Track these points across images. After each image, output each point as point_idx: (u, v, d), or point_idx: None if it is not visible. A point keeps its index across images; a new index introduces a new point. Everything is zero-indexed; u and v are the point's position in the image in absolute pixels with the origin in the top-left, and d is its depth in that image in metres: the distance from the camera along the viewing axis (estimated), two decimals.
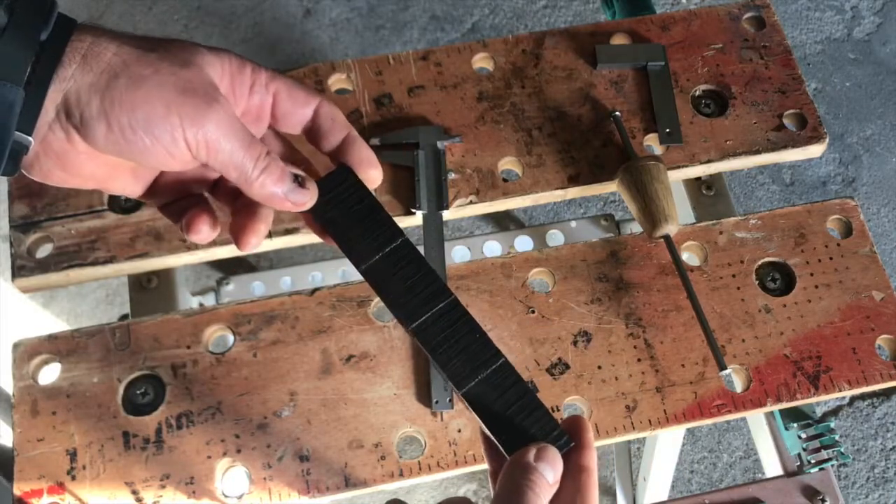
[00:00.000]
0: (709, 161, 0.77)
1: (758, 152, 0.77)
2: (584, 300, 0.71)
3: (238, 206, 0.50)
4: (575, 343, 0.69)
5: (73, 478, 0.64)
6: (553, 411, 0.67)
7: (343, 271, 1.16)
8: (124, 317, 0.79)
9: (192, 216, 0.48)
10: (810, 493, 0.73)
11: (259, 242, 0.49)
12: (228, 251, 0.73)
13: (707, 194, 0.84)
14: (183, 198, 0.50)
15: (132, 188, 0.49)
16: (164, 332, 0.69)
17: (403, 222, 0.75)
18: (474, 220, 1.63)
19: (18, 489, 0.64)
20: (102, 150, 0.44)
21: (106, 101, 0.42)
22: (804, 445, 0.74)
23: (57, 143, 0.44)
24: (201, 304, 1.13)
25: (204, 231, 0.48)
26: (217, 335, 0.70)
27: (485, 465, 0.65)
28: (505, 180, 0.76)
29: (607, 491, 1.48)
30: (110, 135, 0.43)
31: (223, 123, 0.44)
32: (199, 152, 0.44)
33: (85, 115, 0.43)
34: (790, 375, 0.68)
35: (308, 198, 0.48)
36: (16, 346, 0.68)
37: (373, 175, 0.51)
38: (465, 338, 0.46)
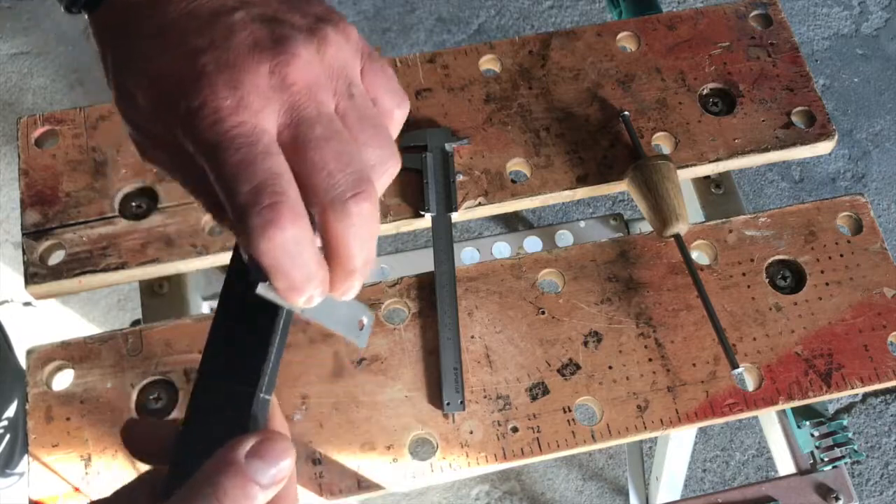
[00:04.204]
0: (717, 159, 0.77)
1: (766, 150, 0.77)
2: (594, 300, 0.71)
3: None
4: (585, 343, 0.69)
5: (88, 483, 0.64)
6: (565, 412, 0.67)
7: None
8: (136, 322, 0.80)
9: None
10: (824, 491, 0.73)
11: None
12: None
13: (716, 193, 0.84)
14: None
15: None
16: (175, 337, 0.69)
17: (412, 225, 0.75)
18: (483, 221, 1.64)
19: (34, 495, 0.64)
20: None
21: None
22: (817, 443, 0.74)
23: None
24: (212, 309, 1.14)
25: None
26: None
27: (498, 466, 0.66)
28: (513, 181, 0.76)
29: (620, 491, 1.48)
30: None
31: None
32: None
33: None
34: (802, 373, 0.68)
35: None
36: (29, 352, 0.69)
37: None
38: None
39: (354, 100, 0.40)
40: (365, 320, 0.47)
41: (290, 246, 0.36)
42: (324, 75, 0.39)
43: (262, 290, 0.39)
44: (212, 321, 0.41)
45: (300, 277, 0.37)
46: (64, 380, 0.68)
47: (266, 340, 0.40)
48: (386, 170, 0.40)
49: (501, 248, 1.15)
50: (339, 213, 0.37)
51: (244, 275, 0.40)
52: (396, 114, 0.42)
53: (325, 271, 0.39)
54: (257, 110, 0.37)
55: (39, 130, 0.77)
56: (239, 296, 0.41)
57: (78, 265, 0.72)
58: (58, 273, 0.71)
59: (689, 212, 0.73)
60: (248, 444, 0.36)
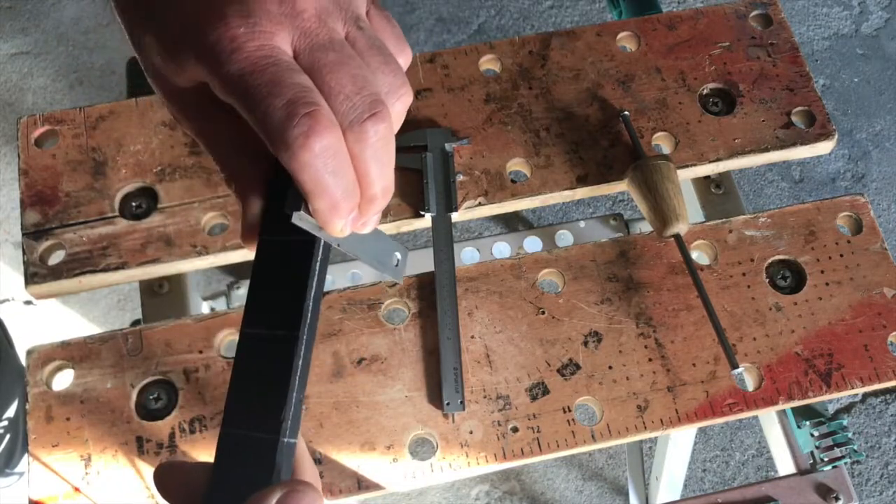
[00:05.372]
0: (717, 159, 0.77)
1: (766, 150, 0.77)
2: (594, 300, 0.71)
3: None
4: (585, 343, 0.69)
5: (88, 483, 0.64)
6: (565, 412, 0.67)
7: (353, 274, 1.16)
8: (136, 322, 0.80)
9: None
10: (824, 490, 0.73)
11: None
12: (240, 255, 0.73)
13: (716, 193, 0.84)
14: None
15: None
16: (176, 337, 0.69)
17: (412, 225, 0.75)
18: (483, 221, 1.64)
19: (34, 495, 0.64)
20: None
21: None
22: (817, 443, 0.74)
23: None
24: (213, 309, 1.14)
25: None
26: (229, 339, 0.70)
27: (498, 466, 0.66)
28: (513, 181, 0.76)
29: (619, 490, 1.48)
30: None
31: None
32: None
33: None
34: (802, 373, 0.68)
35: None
36: (29, 352, 0.69)
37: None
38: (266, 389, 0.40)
39: (363, 31, 0.40)
40: (398, 255, 0.47)
41: (329, 156, 0.37)
42: (332, 4, 0.39)
43: (297, 219, 0.39)
44: (232, 367, 0.41)
45: (340, 193, 0.38)
46: (64, 380, 0.68)
47: (285, 384, 0.40)
48: (399, 97, 0.40)
49: (501, 248, 1.15)
50: (357, 135, 0.37)
51: (260, 319, 0.39)
52: (400, 61, 0.42)
53: (358, 191, 0.39)
54: (272, 33, 0.38)
55: (39, 130, 0.77)
56: (256, 338, 0.41)
57: (78, 265, 0.72)
58: (58, 273, 0.71)
59: (689, 212, 0.73)
60: (273, 498, 0.36)
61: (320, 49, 0.38)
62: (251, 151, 0.40)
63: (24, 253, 0.72)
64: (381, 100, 0.38)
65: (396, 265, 0.47)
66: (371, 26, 0.41)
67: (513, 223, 1.62)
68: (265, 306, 0.41)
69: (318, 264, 0.41)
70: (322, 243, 0.41)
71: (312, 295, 0.40)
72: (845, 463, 0.73)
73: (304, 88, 0.37)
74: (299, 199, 0.38)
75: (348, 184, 0.38)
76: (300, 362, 0.40)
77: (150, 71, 0.42)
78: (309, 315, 0.40)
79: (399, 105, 0.40)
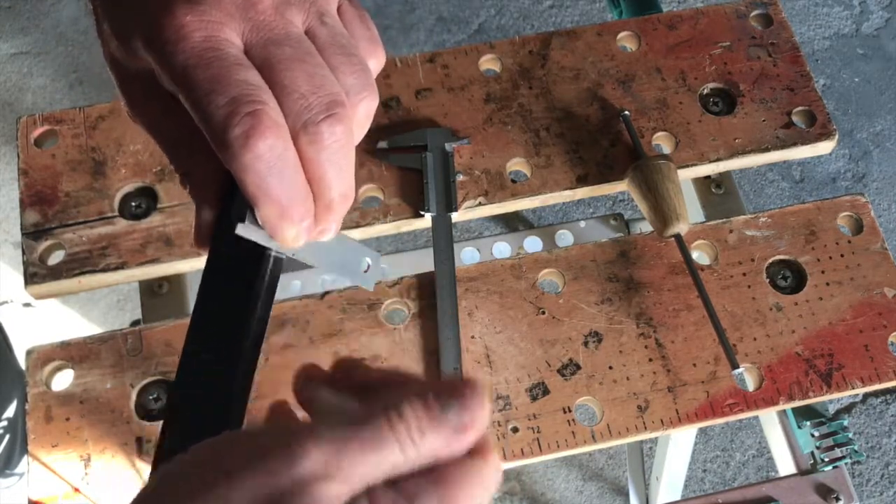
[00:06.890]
0: (718, 159, 0.77)
1: (767, 150, 0.77)
2: (594, 300, 0.71)
3: None
4: (586, 343, 0.69)
5: (88, 483, 0.64)
6: (565, 412, 0.66)
7: None
8: (136, 322, 0.80)
9: None
10: (824, 491, 0.73)
11: None
12: None
13: (716, 193, 0.84)
14: None
15: None
16: (175, 337, 0.69)
17: (412, 225, 0.75)
18: (483, 221, 1.63)
19: (33, 495, 0.64)
20: None
21: None
22: (817, 444, 0.74)
23: None
24: None
25: None
26: None
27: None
28: (513, 181, 0.76)
29: (620, 491, 1.48)
30: None
31: None
32: None
33: None
34: (802, 374, 0.68)
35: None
36: (29, 352, 0.69)
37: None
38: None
39: (327, 26, 0.38)
40: (369, 261, 0.43)
41: (273, 158, 0.34)
42: None
43: (242, 230, 0.36)
44: (172, 387, 0.40)
45: (286, 198, 0.35)
46: (63, 380, 0.68)
47: (221, 410, 0.38)
48: (361, 99, 0.38)
49: (501, 248, 1.14)
50: (311, 137, 0.35)
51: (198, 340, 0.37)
52: (371, 63, 0.40)
53: (311, 197, 0.37)
54: (221, 24, 0.36)
55: (39, 130, 0.77)
56: (197, 357, 0.38)
57: (77, 265, 0.72)
58: (57, 273, 0.71)
59: (690, 212, 0.73)
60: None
61: (274, 44, 0.36)
62: (206, 150, 0.36)
63: (23, 253, 0.72)
64: (341, 100, 0.36)
65: (366, 271, 0.44)
66: (340, 23, 0.39)
67: (513, 223, 1.61)
68: (208, 323, 0.38)
69: (266, 278, 0.38)
70: (273, 255, 0.38)
71: (257, 315, 0.38)
72: (846, 463, 0.73)
73: (249, 86, 0.35)
74: (245, 207, 0.36)
75: (297, 188, 0.36)
76: (239, 387, 0.38)
77: (107, 57, 0.40)
78: (251, 335, 0.38)
79: (362, 107, 0.38)
